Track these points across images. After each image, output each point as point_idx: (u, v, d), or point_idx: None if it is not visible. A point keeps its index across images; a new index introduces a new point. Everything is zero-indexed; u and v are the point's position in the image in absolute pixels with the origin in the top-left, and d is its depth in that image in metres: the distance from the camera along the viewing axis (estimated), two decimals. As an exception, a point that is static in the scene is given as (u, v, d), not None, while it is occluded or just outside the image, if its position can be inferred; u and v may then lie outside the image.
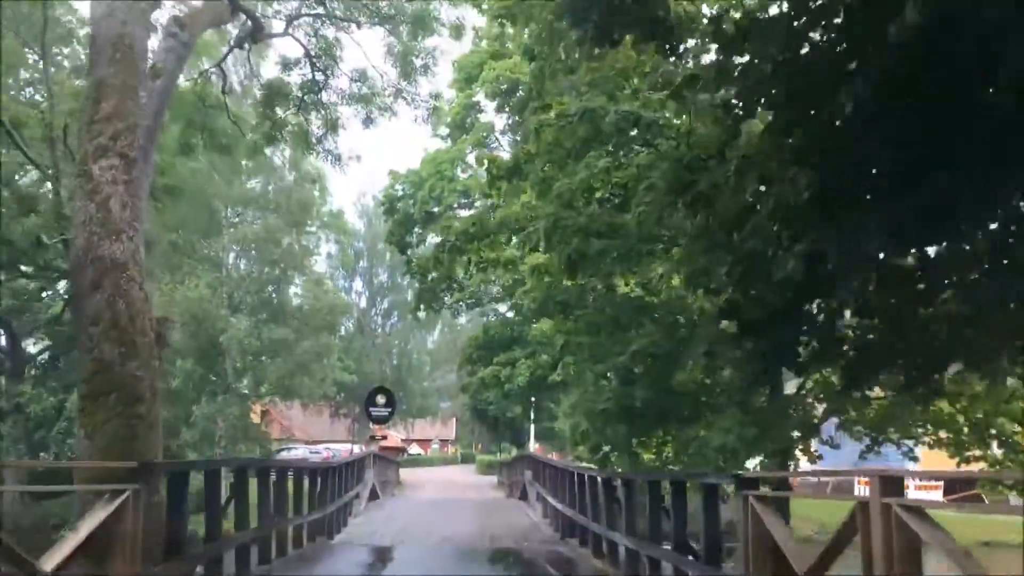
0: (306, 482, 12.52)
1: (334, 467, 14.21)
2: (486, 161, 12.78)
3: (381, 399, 35.13)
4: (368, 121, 15.99)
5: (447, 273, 13.99)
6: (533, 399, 31.77)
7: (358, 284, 61.39)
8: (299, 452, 41.56)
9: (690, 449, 9.41)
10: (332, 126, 15.83)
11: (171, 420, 27.27)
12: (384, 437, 38.08)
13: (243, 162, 29.77)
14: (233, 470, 9.07)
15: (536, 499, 18.31)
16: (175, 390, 27.08)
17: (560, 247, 10.03)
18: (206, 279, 27.24)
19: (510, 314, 32.21)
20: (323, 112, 15.57)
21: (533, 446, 55.00)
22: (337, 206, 59.74)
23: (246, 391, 30.88)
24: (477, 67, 32.63)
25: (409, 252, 33.67)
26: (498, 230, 12.67)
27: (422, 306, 35.09)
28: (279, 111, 15.26)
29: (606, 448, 11.61)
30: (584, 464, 14.02)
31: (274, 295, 29.06)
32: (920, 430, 10.90)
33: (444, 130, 32.52)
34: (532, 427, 54.17)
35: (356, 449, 49.36)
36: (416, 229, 32.44)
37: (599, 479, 10.49)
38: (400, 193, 31.81)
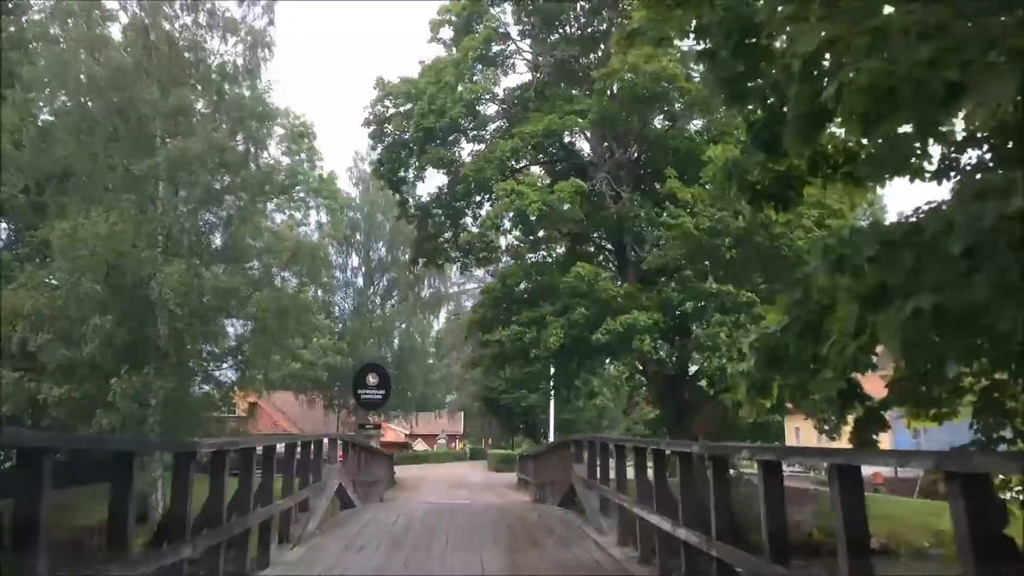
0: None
1: (223, 452, 6.80)
2: None
3: (372, 379, 27.73)
4: None
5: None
6: (558, 371, 24.22)
7: (354, 260, 54.01)
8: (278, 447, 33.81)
9: None
10: None
11: (81, 399, 19.98)
12: (378, 426, 30.71)
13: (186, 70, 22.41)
14: None
15: (601, 510, 10.85)
16: (88, 360, 19.72)
17: None
18: (130, 210, 19.85)
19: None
20: None
21: (552, 438, 47.48)
22: (328, 168, 51.72)
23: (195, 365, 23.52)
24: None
25: (404, 190, 26.26)
26: None
27: (421, 260, 27.75)
28: None
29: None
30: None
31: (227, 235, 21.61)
32: None
33: (448, 32, 25.06)
34: (552, 415, 46.81)
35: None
36: (412, 161, 25.04)
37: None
38: (390, 110, 24.38)
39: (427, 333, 57.67)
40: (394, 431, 69.15)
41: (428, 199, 26.14)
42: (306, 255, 22.24)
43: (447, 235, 26.82)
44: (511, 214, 21.79)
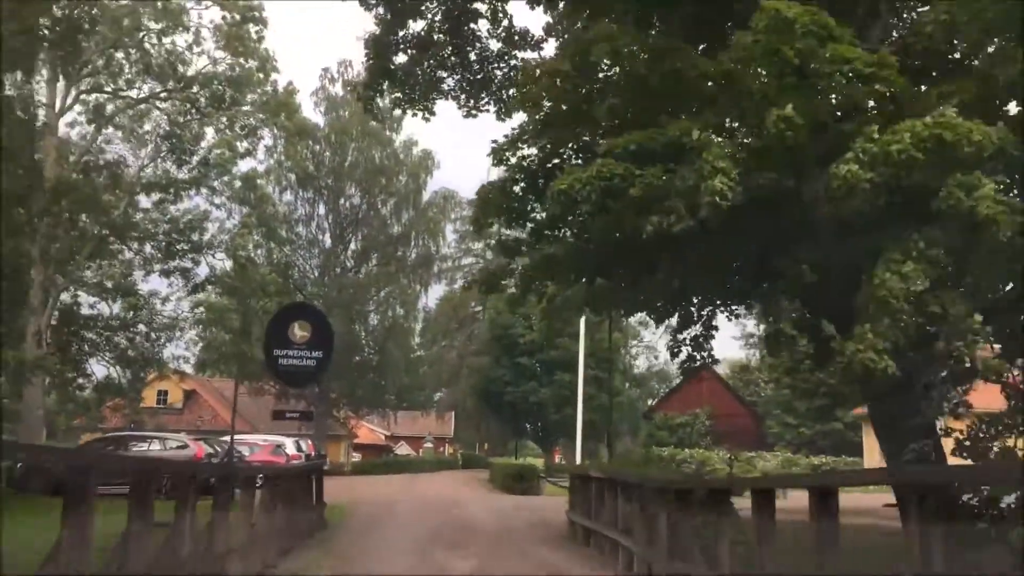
0: None
1: None
2: None
3: (300, 331, 13.81)
4: None
5: None
6: (717, 277, 10.48)
7: (320, 209, 40.33)
8: (189, 449, 19.51)
9: None
10: None
11: None
12: (307, 415, 17.11)
13: None
14: None
15: None
16: None
17: None
18: None
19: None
20: None
21: (578, 450, 33.69)
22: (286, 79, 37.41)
23: None
24: None
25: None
26: None
27: (387, 87, 14.04)
28: None
29: None
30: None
31: None
32: None
33: None
34: (580, 413, 33.02)
35: (294, 446, 29.97)
36: None
37: None
38: None
39: (413, 308, 43.69)
40: (371, 431, 55.25)
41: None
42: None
43: (446, 53, 13.16)
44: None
